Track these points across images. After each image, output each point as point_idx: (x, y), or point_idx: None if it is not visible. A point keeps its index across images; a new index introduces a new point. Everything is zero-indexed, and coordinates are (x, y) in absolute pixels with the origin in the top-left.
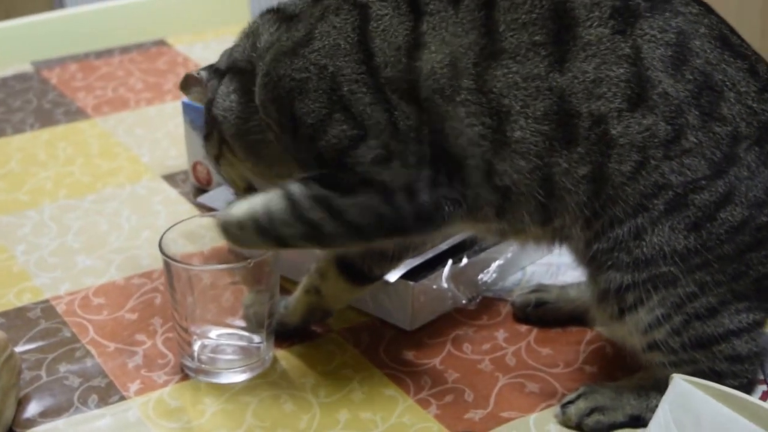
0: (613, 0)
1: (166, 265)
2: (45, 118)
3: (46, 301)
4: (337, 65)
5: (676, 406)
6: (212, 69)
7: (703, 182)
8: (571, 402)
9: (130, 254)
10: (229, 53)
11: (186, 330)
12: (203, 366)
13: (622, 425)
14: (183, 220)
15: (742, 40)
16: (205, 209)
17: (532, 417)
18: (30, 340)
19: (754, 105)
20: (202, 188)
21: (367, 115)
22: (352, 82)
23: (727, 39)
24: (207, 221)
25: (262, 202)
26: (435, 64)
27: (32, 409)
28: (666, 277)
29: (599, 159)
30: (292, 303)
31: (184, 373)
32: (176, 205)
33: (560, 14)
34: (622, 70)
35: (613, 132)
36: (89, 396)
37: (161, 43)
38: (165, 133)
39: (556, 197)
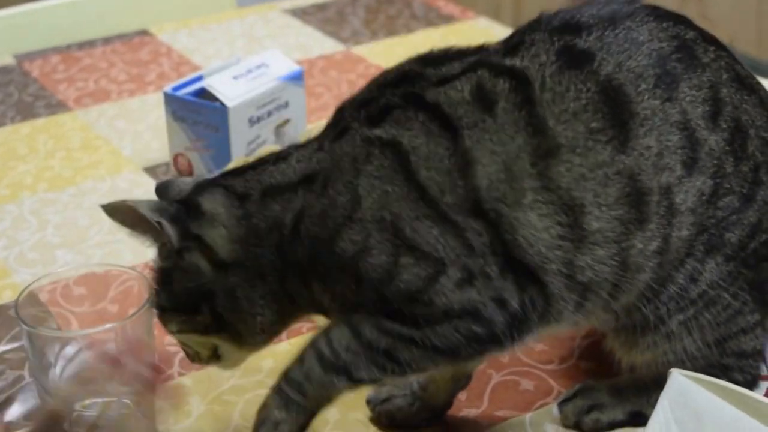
0: (654, 69)
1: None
2: (26, 111)
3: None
4: (393, 212)
5: (676, 403)
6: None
7: (734, 217)
8: (568, 400)
9: (110, 249)
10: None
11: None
12: None
13: (622, 423)
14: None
15: (746, 69)
16: None
17: (528, 416)
18: (12, 339)
19: (766, 135)
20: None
21: (441, 247)
22: (413, 220)
23: (740, 75)
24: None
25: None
26: (491, 176)
27: (14, 410)
28: (709, 298)
29: (666, 231)
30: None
31: (170, 372)
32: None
33: (610, 95)
34: (677, 137)
35: (677, 200)
36: None
37: (144, 33)
38: (147, 125)
39: (628, 278)
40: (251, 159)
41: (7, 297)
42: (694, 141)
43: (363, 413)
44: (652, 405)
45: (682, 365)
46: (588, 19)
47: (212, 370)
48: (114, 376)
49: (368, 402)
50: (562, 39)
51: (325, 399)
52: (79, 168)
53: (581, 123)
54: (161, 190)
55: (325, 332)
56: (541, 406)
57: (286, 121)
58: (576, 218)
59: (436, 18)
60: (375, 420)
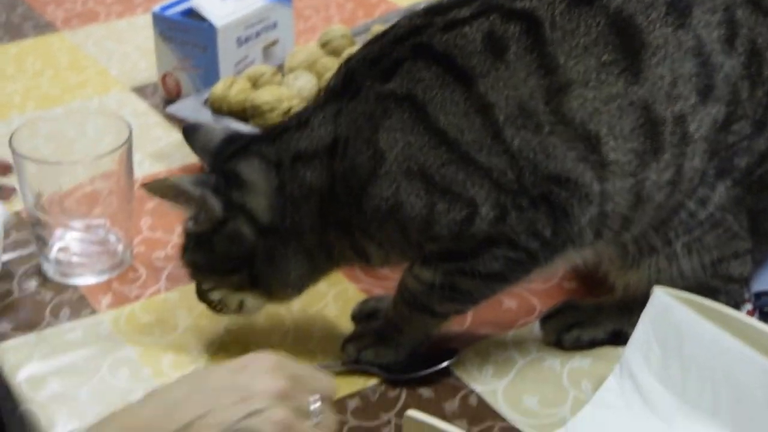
0: None
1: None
2: (14, 32)
3: (16, 213)
4: (419, 162)
5: (658, 321)
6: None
7: (745, 143)
8: (549, 317)
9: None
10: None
11: (44, 227)
12: (60, 268)
13: (602, 341)
14: None
15: None
16: (175, 120)
17: (510, 333)
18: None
19: None
20: (171, 99)
21: (471, 188)
22: (440, 167)
23: None
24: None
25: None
26: (509, 113)
27: (3, 323)
28: (715, 220)
29: (680, 161)
30: None
31: (156, 288)
32: (145, 117)
33: (621, 26)
34: (690, 65)
35: (691, 129)
36: (61, 310)
37: None
38: (135, 46)
39: (639, 209)
40: (280, 120)
41: None
42: (709, 67)
43: (347, 328)
44: (633, 324)
45: (673, 284)
46: None
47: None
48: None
49: (353, 318)
50: None
51: (420, 334)
52: (67, 88)
53: (592, 57)
54: (189, 132)
55: (403, 280)
56: (524, 324)
57: (274, 42)
58: (595, 147)
59: None
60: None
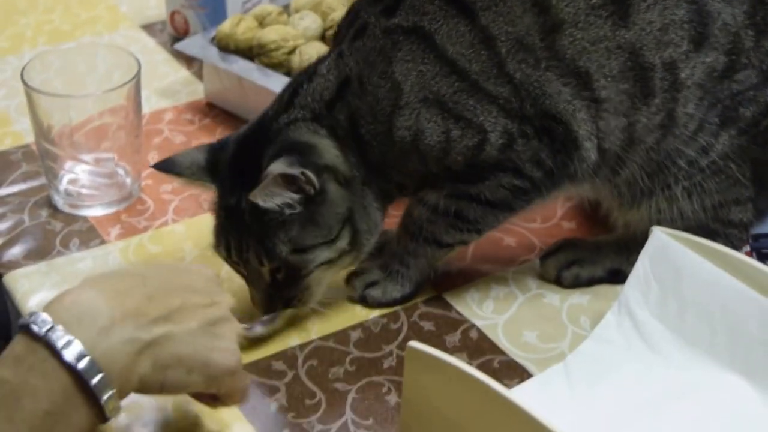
0: None
1: (29, 95)
2: None
3: (27, 145)
4: (433, 90)
5: (656, 259)
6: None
7: (751, 93)
8: (549, 254)
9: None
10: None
11: (54, 160)
12: (70, 199)
13: (601, 279)
14: None
15: None
16: (182, 56)
17: (511, 270)
18: (12, 183)
19: None
20: (178, 37)
21: (480, 113)
22: (452, 94)
23: None
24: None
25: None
26: (509, 47)
27: (15, 251)
28: (717, 167)
29: (671, 105)
30: None
31: (164, 219)
32: (153, 53)
33: None
34: (683, 11)
35: (682, 75)
36: (71, 240)
37: None
38: None
39: (631, 151)
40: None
41: (7, 144)
42: (704, 14)
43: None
44: (631, 263)
45: (673, 225)
46: None
47: (205, 218)
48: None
49: None
50: None
51: (426, 267)
52: (78, 23)
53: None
54: (165, 167)
55: (408, 213)
56: (524, 262)
57: None
58: (586, 84)
59: None
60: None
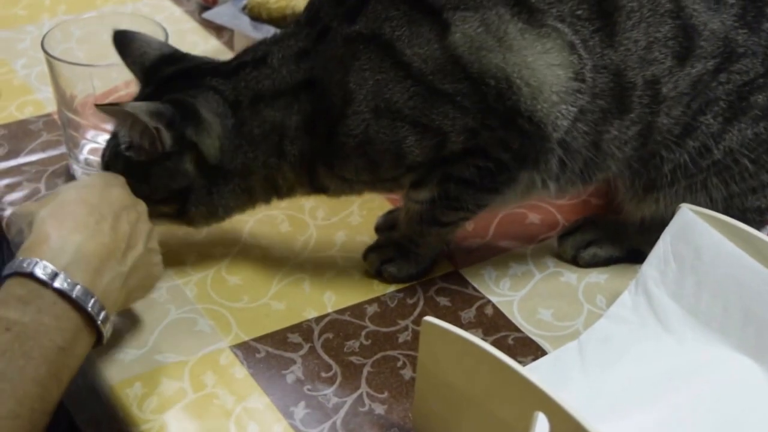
0: None
1: (50, 65)
2: None
3: (48, 114)
4: (386, 98)
5: (677, 238)
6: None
7: (761, 81)
8: (568, 234)
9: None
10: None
11: (76, 129)
12: (90, 169)
13: (619, 259)
14: None
15: None
16: (211, 26)
17: (530, 248)
18: (31, 152)
19: None
20: (206, 6)
21: (436, 118)
22: (407, 100)
23: None
24: None
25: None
26: (467, 32)
27: None
28: (723, 165)
29: (649, 118)
30: None
31: None
32: (180, 23)
33: None
34: (667, 28)
35: (664, 90)
36: None
37: None
38: None
39: (599, 159)
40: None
41: (28, 113)
42: (689, 29)
43: (370, 237)
44: (651, 244)
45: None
46: None
47: None
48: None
49: (376, 229)
50: None
51: (437, 243)
52: None
53: (568, 7)
54: (121, 40)
55: (405, 205)
56: (544, 239)
57: None
58: (580, 61)
59: None
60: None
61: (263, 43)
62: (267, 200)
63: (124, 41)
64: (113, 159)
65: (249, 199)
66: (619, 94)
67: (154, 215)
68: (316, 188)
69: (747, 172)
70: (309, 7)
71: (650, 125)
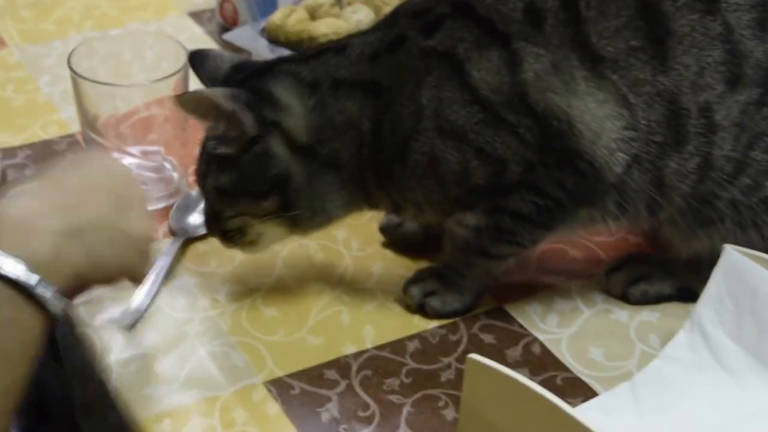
0: None
1: (75, 83)
2: None
3: (72, 135)
4: (451, 120)
5: (730, 277)
6: None
7: None
8: (616, 269)
9: (154, 87)
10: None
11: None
12: None
13: (670, 297)
14: None
15: None
16: (231, 47)
17: (575, 284)
18: None
19: None
20: (227, 27)
21: (499, 146)
22: (472, 125)
23: None
24: None
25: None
26: (537, 71)
27: None
28: None
29: (706, 149)
30: None
31: None
32: (201, 43)
33: (649, 12)
34: (718, 52)
35: (718, 117)
36: None
37: None
38: None
39: (664, 194)
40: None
41: (52, 132)
42: (737, 54)
43: (407, 269)
44: (702, 281)
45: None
46: None
47: None
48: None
49: (382, 230)
50: None
51: (483, 277)
52: (126, 9)
53: (622, 40)
54: (196, 58)
55: (451, 231)
56: (589, 276)
57: None
58: (631, 113)
59: None
60: (391, 245)
61: (346, 36)
62: (360, 205)
63: (198, 59)
64: (209, 165)
65: (348, 197)
66: (675, 123)
67: (262, 216)
68: (393, 205)
69: None
70: (393, 12)
71: (707, 158)
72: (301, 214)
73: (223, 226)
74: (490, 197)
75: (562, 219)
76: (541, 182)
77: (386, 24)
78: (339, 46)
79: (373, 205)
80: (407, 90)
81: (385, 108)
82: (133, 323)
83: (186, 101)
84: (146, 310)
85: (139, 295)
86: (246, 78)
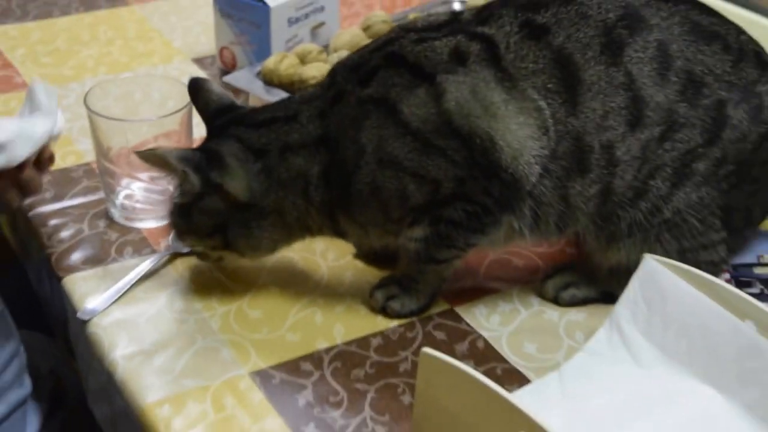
0: (600, 37)
1: (91, 119)
2: (88, 3)
3: (88, 163)
4: (388, 152)
5: (645, 283)
6: None
7: (701, 150)
8: (549, 277)
9: (160, 122)
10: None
11: (112, 177)
12: (126, 212)
13: (595, 300)
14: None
15: (713, 15)
16: (230, 88)
17: (516, 289)
18: (73, 197)
19: (732, 78)
20: (227, 70)
21: (432, 168)
22: (407, 153)
23: (699, 25)
24: None
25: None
26: (459, 99)
27: (75, 257)
28: (673, 223)
29: (607, 179)
30: None
31: None
32: None
33: (562, 62)
34: (620, 98)
35: (618, 153)
36: (125, 248)
37: None
38: (196, 21)
39: (570, 212)
40: (264, 103)
41: (70, 161)
42: (638, 100)
43: (374, 277)
44: (622, 287)
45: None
46: None
47: None
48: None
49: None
50: (524, 14)
51: (436, 279)
52: (135, 56)
53: (540, 80)
54: (193, 88)
55: (402, 246)
56: (528, 282)
57: (321, 24)
58: (548, 137)
59: None
60: (360, 257)
61: (293, 101)
62: (302, 237)
63: (194, 88)
64: (173, 207)
65: (288, 234)
66: (579, 156)
67: (210, 249)
68: (338, 232)
69: (696, 230)
70: (330, 73)
71: (608, 186)
72: (243, 249)
73: (193, 252)
74: (430, 211)
75: (491, 223)
76: (471, 192)
77: (327, 84)
78: (288, 115)
79: (315, 234)
80: (349, 134)
81: (333, 154)
82: (89, 318)
83: (146, 157)
84: (110, 305)
85: (108, 293)
86: (215, 128)
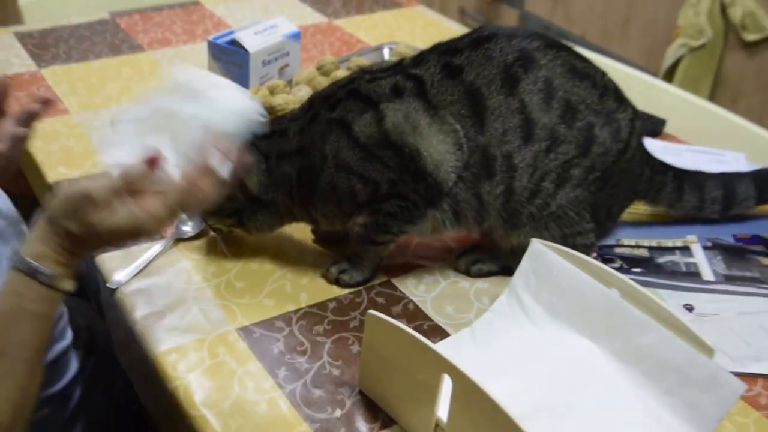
0: (501, 74)
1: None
2: (115, 50)
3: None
4: (342, 159)
5: (535, 260)
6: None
7: (576, 160)
8: (461, 255)
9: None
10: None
11: None
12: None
13: (497, 272)
14: None
15: (585, 60)
16: None
17: (437, 264)
18: None
19: (598, 107)
20: None
21: (373, 173)
22: (355, 160)
23: (575, 67)
24: None
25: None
26: (395, 121)
27: None
28: (557, 215)
29: (509, 181)
30: None
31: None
32: None
33: (473, 94)
34: (516, 120)
35: (516, 161)
36: None
37: (196, 3)
38: (195, 62)
39: (483, 207)
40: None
41: (99, 168)
42: (529, 121)
43: (330, 258)
44: (517, 262)
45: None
46: (462, 45)
47: None
48: None
49: (313, 232)
50: (445, 58)
51: (376, 257)
52: (151, 88)
53: (455, 108)
54: None
55: (351, 229)
56: (445, 259)
57: (287, 65)
58: (462, 152)
59: (390, 4)
60: (319, 241)
61: (285, 120)
62: (290, 222)
63: None
64: None
65: (280, 220)
66: (486, 163)
67: (226, 227)
68: (312, 220)
69: (573, 221)
70: (309, 100)
71: (510, 186)
72: (249, 228)
73: (210, 227)
74: (372, 205)
75: (419, 216)
76: (403, 192)
77: (307, 107)
78: (281, 129)
79: (299, 221)
80: (318, 146)
81: (305, 161)
82: (116, 287)
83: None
84: (131, 278)
85: (130, 268)
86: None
